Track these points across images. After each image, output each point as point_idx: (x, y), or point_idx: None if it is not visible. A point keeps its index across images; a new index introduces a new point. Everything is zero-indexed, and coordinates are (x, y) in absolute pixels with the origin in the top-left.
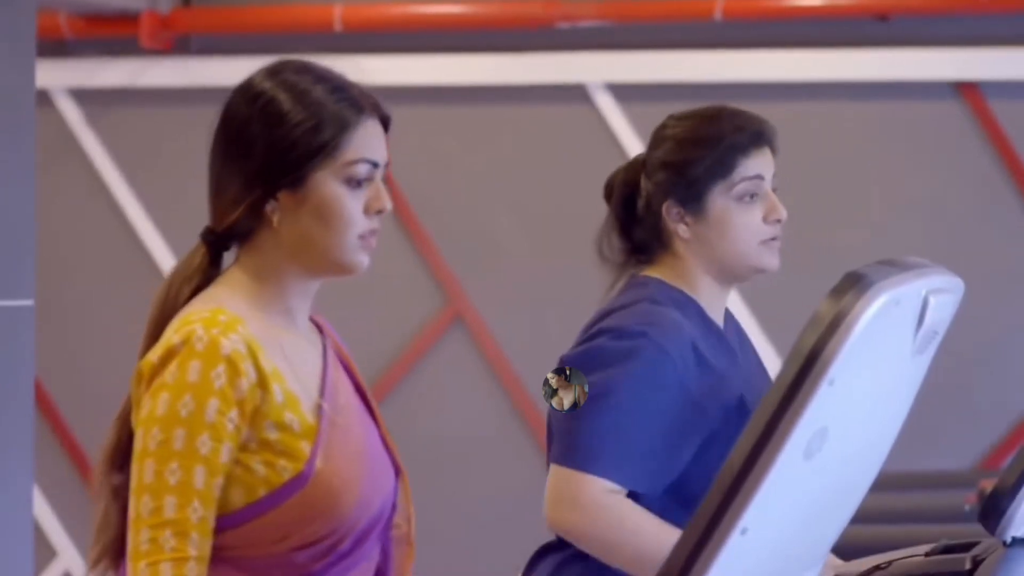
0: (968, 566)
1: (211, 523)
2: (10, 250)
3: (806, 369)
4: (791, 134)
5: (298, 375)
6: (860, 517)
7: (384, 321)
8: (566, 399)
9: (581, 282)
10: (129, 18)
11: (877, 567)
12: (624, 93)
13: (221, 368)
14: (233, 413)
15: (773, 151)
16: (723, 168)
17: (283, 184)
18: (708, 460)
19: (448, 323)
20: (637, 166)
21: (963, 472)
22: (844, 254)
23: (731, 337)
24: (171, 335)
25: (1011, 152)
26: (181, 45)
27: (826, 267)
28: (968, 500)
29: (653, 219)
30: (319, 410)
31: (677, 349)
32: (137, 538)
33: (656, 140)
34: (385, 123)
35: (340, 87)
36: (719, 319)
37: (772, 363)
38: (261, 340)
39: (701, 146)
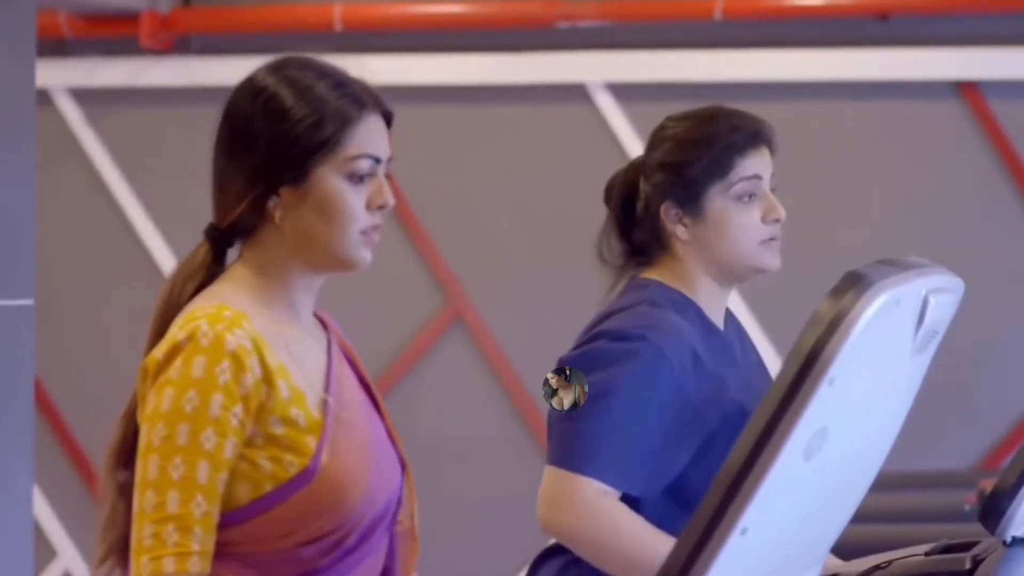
0: (968, 566)
1: (215, 518)
2: (10, 250)
3: (806, 369)
4: (791, 134)
5: (303, 370)
6: (860, 517)
7: (384, 321)
8: (564, 400)
9: (581, 282)
10: (129, 18)
11: (877, 567)
12: (624, 93)
13: (226, 364)
14: (237, 408)
15: (771, 151)
16: (720, 168)
17: (285, 180)
18: (708, 462)
19: (448, 323)
20: (636, 168)
21: (963, 472)
22: (844, 254)
23: (731, 338)
24: (176, 331)
25: (1011, 152)
26: (181, 45)
27: (826, 267)
28: (968, 500)
29: (652, 221)
30: (324, 405)
31: (675, 352)
32: (140, 533)
33: (654, 142)
34: (388, 119)
35: (342, 83)
36: (719, 320)
37: (772, 363)
38: (266, 336)
39: (698, 147)
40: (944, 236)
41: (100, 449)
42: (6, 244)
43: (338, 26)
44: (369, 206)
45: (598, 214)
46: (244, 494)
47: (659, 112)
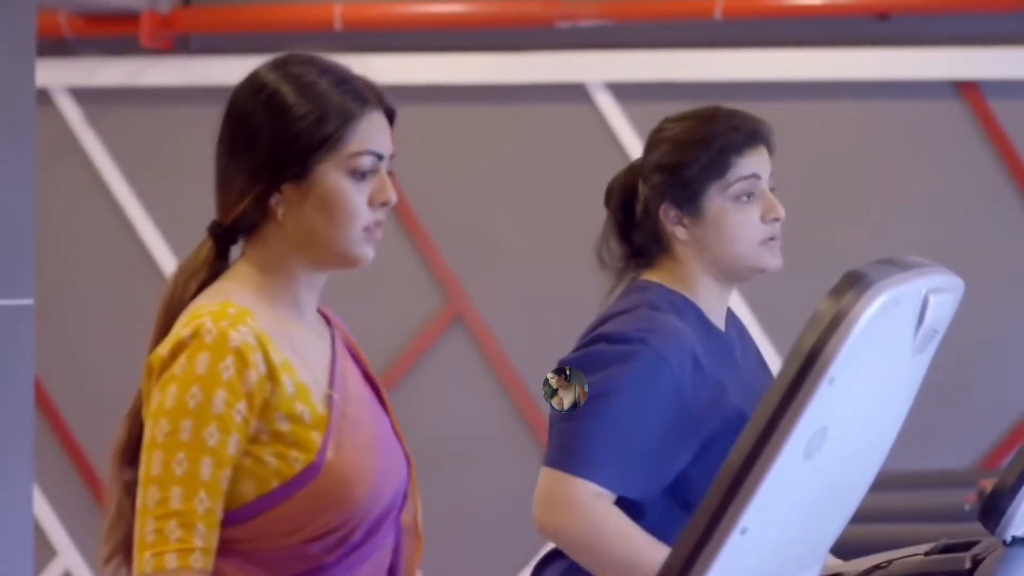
0: (968, 565)
1: (218, 515)
2: (10, 249)
3: (806, 368)
4: (791, 133)
5: (307, 367)
6: (860, 516)
7: (384, 320)
8: (563, 401)
9: (581, 282)
10: (129, 17)
11: (877, 566)
12: (624, 92)
13: (230, 360)
14: (241, 405)
15: (770, 150)
16: (718, 168)
17: (288, 176)
18: (708, 463)
19: (448, 323)
20: (635, 170)
21: (963, 471)
22: (844, 254)
23: (732, 338)
24: (180, 328)
25: (1011, 152)
26: (181, 44)
27: (826, 267)
28: (968, 499)
29: (651, 222)
30: (329, 401)
31: (675, 355)
32: (143, 529)
33: (652, 143)
34: (390, 115)
35: (345, 79)
36: (720, 321)
37: (772, 363)
38: (270, 332)
39: (696, 147)
40: (944, 236)
41: (100, 449)
42: (6, 244)
43: (338, 25)
44: (371, 203)
45: (598, 214)
46: (250, 491)
47: (659, 112)
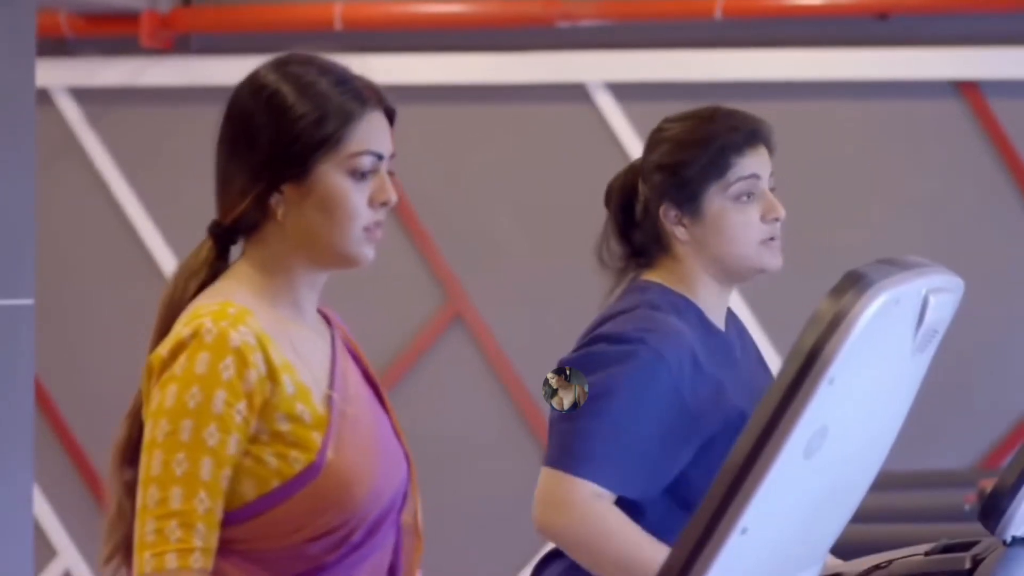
0: (968, 565)
1: (218, 515)
2: (10, 249)
3: (806, 368)
4: (791, 133)
5: (308, 367)
6: (860, 516)
7: (384, 320)
8: (562, 401)
9: (581, 282)
10: (129, 17)
11: (877, 566)
12: (624, 92)
13: (230, 360)
14: (241, 405)
15: (770, 150)
16: (718, 168)
17: (288, 176)
18: (708, 463)
19: (448, 322)
20: (634, 171)
21: (963, 471)
22: (844, 254)
23: (732, 338)
24: (180, 328)
25: (1011, 152)
26: (181, 44)
27: (826, 267)
28: (968, 499)
29: (651, 223)
30: (329, 401)
31: (674, 355)
32: (143, 528)
33: (651, 143)
34: (390, 115)
35: (345, 79)
36: (720, 321)
37: (772, 363)
38: (270, 332)
39: (695, 147)
40: (944, 236)
41: (100, 449)
42: (6, 244)
43: (338, 25)
44: (371, 203)
45: (598, 214)
46: (250, 491)
47: (659, 112)
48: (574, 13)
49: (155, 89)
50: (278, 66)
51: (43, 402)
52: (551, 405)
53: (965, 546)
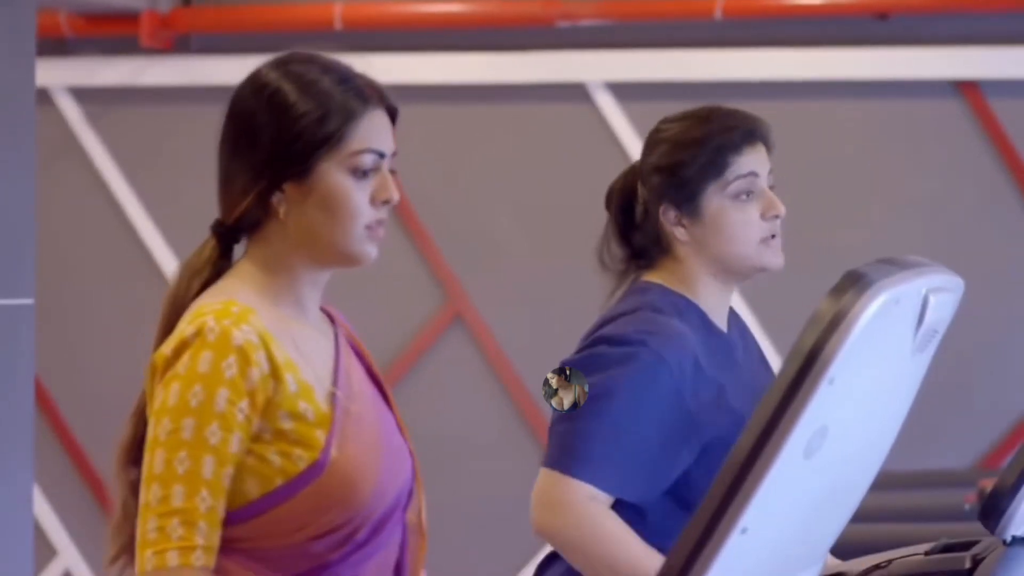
0: (968, 565)
1: (220, 513)
2: (10, 249)
3: (806, 368)
4: (791, 133)
5: (310, 365)
6: (860, 516)
7: (384, 320)
8: (563, 402)
9: (581, 282)
10: (129, 17)
11: (877, 566)
12: (624, 92)
13: (232, 359)
14: (244, 403)
15: (768, 148)
16: (716, 168)
17: (289, 175)
18: (709, 465)
19: (448, 322)
20: (634, 172)
21: (963, 471)
22: (844, 254)
23: (733, 338)
24: (184, 327)
25: (1011, 151)
26: (181, 44)
27: (826, 267)
28: (968, 499)
29: (651, 224)
30: (333, 399)
31: (676, 358)
32: (145, 526)
33: (649, 145)
34: (392, 114)
35: (346, 77)
36: (722, 322)
37: (773, 363)
38: (272, 331)
39: (693, 147)
40: (944, 236)
41: (100, 449)
42: (6, 244)
43: (338, 25)
44: (373, 201)
45: (598, 214)
46: (254, 489)
47: (659, 112)
48: (574, 13)
49: (155, 89)
50: (279, 65)
51: (43, 402)
52: (551, 406)
53: (965, 546)
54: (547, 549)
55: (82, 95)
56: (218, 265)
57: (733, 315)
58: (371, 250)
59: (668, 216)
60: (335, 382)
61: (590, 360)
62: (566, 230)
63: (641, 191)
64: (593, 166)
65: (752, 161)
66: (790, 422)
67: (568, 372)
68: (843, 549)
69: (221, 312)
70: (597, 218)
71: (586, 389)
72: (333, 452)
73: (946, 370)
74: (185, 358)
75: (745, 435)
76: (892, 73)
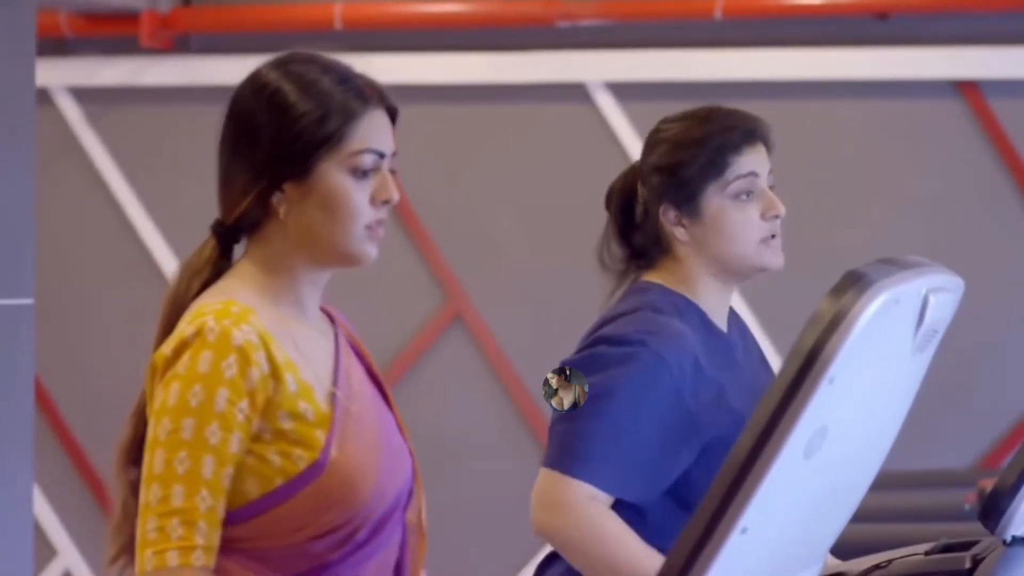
0: (968, 565)
1: (220, 513)
2: (10, 249)
3: (806, 368)
4: (791, 133)
5: (310, 365)
6: (860, 516)
7: (384, 320)
8: (562, 402)
9: (581, 281)
10: (129, 17)
11: (877, 566)
12: (624, 92)
13: (232, 358)
14: (243, 403)
15: (768, 148)
16: (715, 168)
17: (289, 175)
18: (709, 465)
19: (448, 322)
20: (634, 173)
21: (963, 471)
22: (844, 254)
23: (734, 338)
24: (184, 327)
25: (1011, 151)
26: (181, 44)
27: (826, 267)
28: (968, 499)
29: (651, 224)
30: (333, 399)
31: (676, 358)
32: (145, 526)
33: (649, 145)
34: (392, 114)
35: (346, 78)
36: (722, 322)
37: (773, 363)
38: (272, 331)
39: (692, 147)
40: (944, 236)
41: (100, 449)
42: (6, 244)
43: (338, 25)
44: (373, 201)
45: (598, 214)
46: (254, 489)
47: (659, 112)
48: (574, 13)
49: (155, 89)
50: (280, 65)
51: (43, 402)
52: (551, 406)
53: (965, 546)
54: (547, 549)
55: (82, 95)
56: (218, 265)
57: (733, 315)
58: (371, 250)
59: (668, 216)
60: (335, 382)
61: (590, 360)
62: (566, 230)
63: (641, 191)
64: (593, 166)
65: (752, 161)
66: (790, 422)
67: (568, 372)
68: (843, 549)
69: (221, 312)
70: (597, 218)
71: (586, 389)
72: (333, 452)
73: (946, 370)
74: (185, 358)
75: (745, 435)
76: (892, 73)
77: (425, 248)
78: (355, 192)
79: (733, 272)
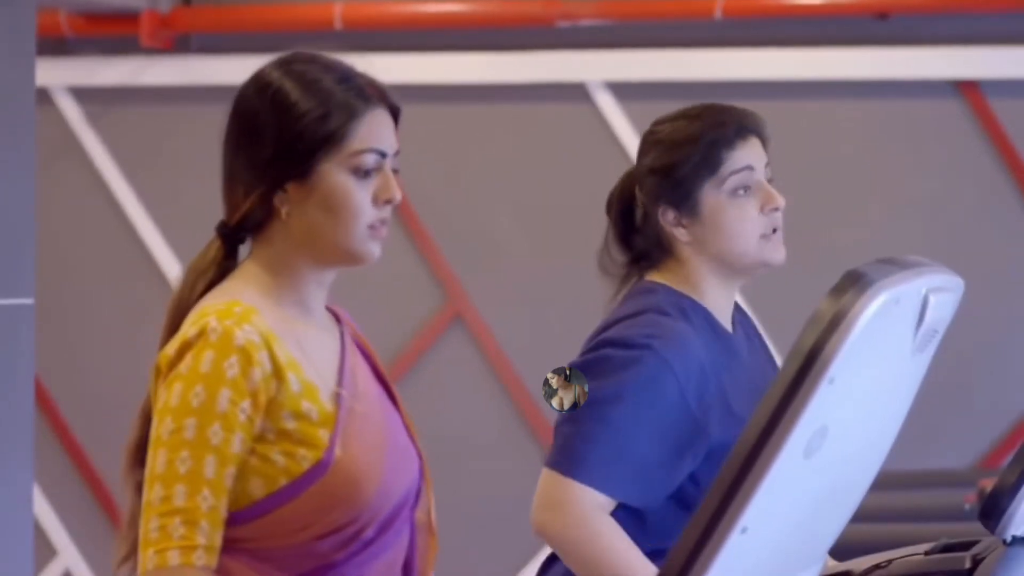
0: (968, 565)
1: (222, 512)
2: (10, 249)
3: (806, 368)
4: (790, 133)
5: (314, 365)
6: (860, 516)
7: (384, 320)
8: (564, 405)
9: (581, 282)
10: (129, 17)
11: (877, 566)
12: (624, 92)
13: (234, 359)
14: (246, 403)
15: (763, 140)
16: (710, 164)
17: (291, 175)
18: (712, 469)
19: (448, 322)
20: (632, 177)
21: (963, 471)
22: (844, 254)
23: (739, 338)
24: (187, 328)
25: (1011, 151)
26: (181, 44)
27: (826, 267)
28: (968, 499)
29: (652, 227)
30: (337, 398)
31: (681, 362)
32: (147, 526)
33: (643, 147)
34: (394, 113)
35: (348, 77)
36: (727, 321)
37: None
38: (276, 331)
39: (685, 146)
40: (944, 236)
41: (100, 449)
42: (6, 244)
43: (338, 25)
44: (375, 200)
45: (598, 214)
46: (258, 489)
47: (659, 111)
48: (574, 13)
49: (155, 89)
50: (282, 64)
51: (43, 402)
52: (552, 407)
53: (965, 546)
54: (548, 550)
55: (82, 95)
56: (223, 266)
57: (740, 313)
58: (374, 249)
59: (667, 217)
60: (340, 381)
61: (595, 363)
62: (566, 230)
63: (639, 194)
64: (593, 166)
65: (746, 155)
66: (790, 422)
67: (572, 375)
68: (843, 549)
69: (224, 312)
70: (597, 218)
71: (588, 392)
72: (337, 451)
73: (946, 370)
74: (187, 358)
75: (745, 435)
76: (892, 73)
77: (425, 248)
78: (357, 192)
79: (736, 269)
